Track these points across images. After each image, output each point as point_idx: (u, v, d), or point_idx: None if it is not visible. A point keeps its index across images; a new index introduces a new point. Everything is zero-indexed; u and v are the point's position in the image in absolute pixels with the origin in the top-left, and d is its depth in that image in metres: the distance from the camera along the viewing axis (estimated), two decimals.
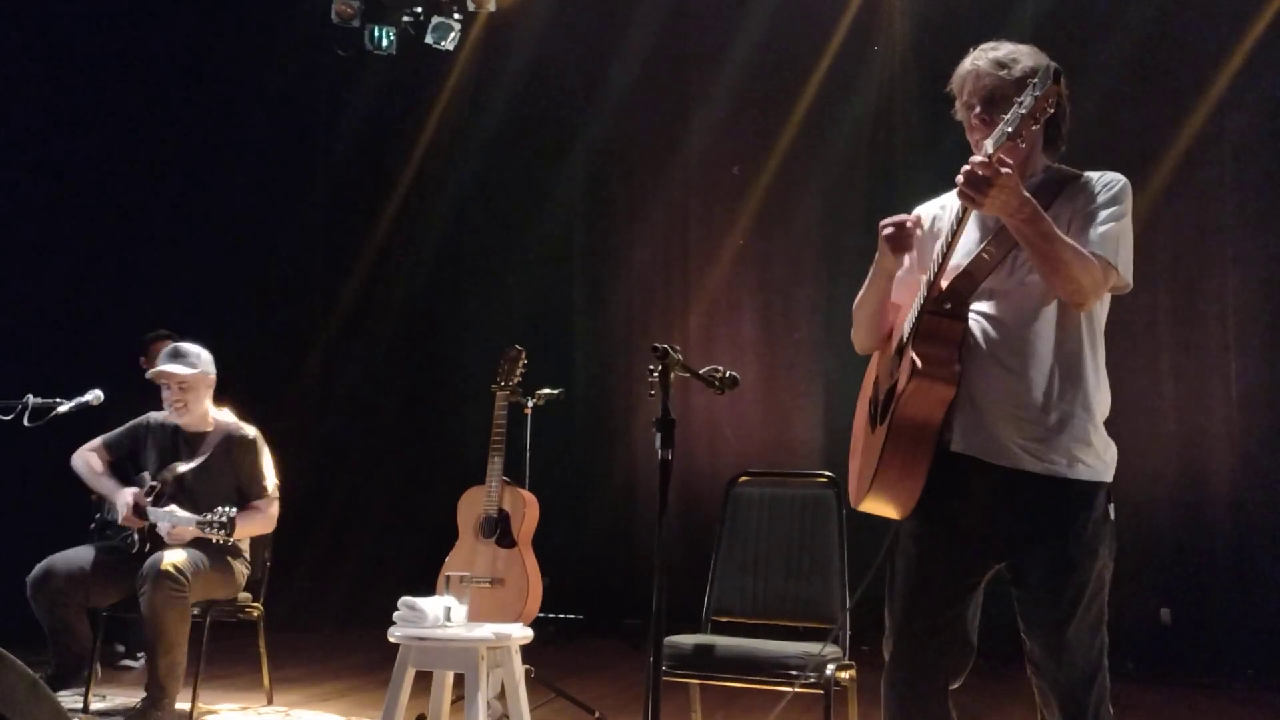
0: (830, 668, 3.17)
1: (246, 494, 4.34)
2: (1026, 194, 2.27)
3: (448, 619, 3.49)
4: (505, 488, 4.30)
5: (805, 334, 7.14)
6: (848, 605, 3.45)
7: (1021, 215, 2.27)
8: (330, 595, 7.32)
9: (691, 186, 7.52)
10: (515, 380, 4.44)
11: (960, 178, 2.25)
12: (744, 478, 3.84)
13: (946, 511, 2.44)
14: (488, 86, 7.81)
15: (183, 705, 4.10)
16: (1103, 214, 2.36)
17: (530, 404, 4.71)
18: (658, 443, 2.62)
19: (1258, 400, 6.32)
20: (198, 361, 4.35)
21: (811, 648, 3.22)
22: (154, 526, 4.12)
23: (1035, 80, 2.22)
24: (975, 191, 2.24)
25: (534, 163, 7.77)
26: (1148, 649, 6.11)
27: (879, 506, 2.50)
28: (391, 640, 3.54)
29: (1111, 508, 2.40)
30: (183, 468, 4.28)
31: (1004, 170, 2.22)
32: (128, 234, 7.41)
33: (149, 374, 4.41)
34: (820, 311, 7.03)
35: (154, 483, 4.24)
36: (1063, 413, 2.35)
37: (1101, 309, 2.44)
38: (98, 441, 4.44)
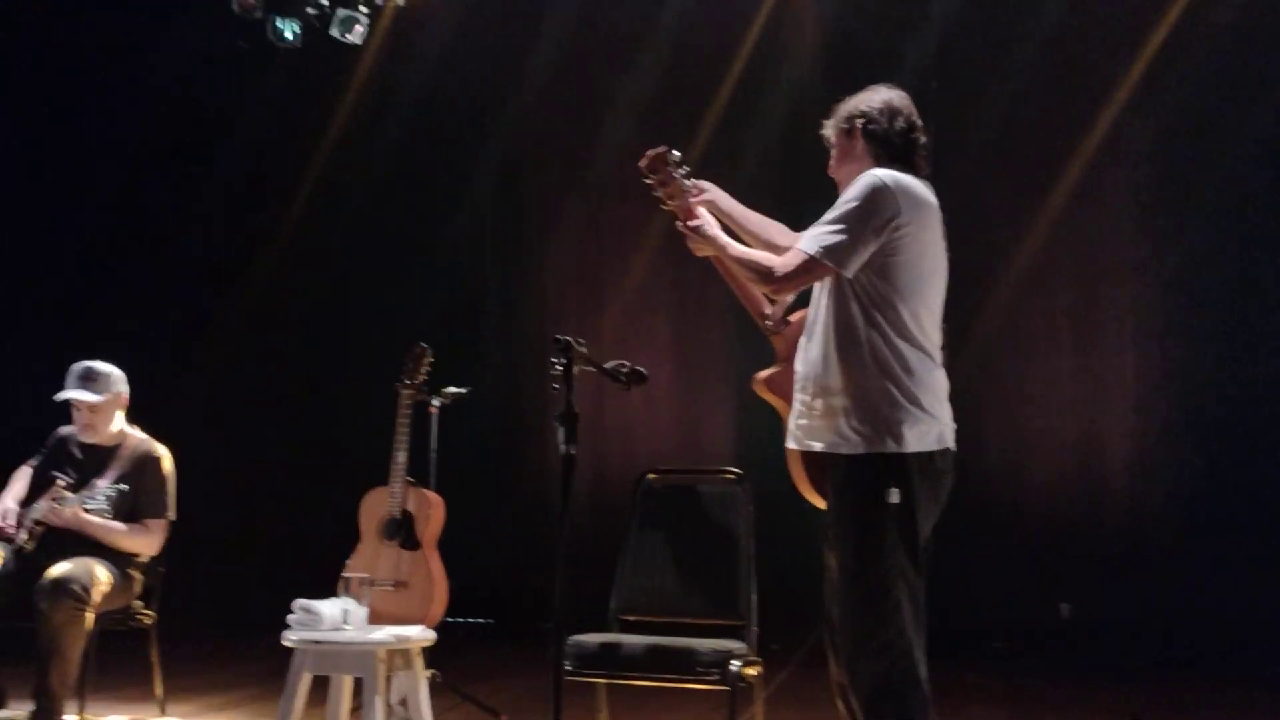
0: (736, 664, 3.14)
1: (140, 511, 4.23)
2: (720, 239, 2.75)
3: (345, 622, 3.38)
4: (409, 489, 4.19)
5: (719, 335, 7.15)
6: (754, 602, 3.43)
7: (719, 254, 2.75)
8: (228, 601, 7.09)
9: (606, 186, 7.46)
10: (420, 378, 4.34)
11: None
12: (652, 475, 3.80)
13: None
14: (398, 82, 7.66)
15: (69, 718, 3.93)
16: (828, 215, 2.64)
17: (436, 403, 4.60)
18: (560, 438, 2.58)
19: (1153, 401, 6.52)
20: (108, 384, 4.26)
21: (719, 644, 3.19)
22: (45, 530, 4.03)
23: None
24: (690, 246, 2.79)
25: (446, 160, 7.63)
26: (1049, 643, 6.25)
27: (810, 497, 2.79)
28: (286, 644, 3.43)
29: (894, 490, 2.50)
30: (101, 483, 4.18)
31: (690, 224, 2.76)
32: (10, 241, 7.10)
33: (57, 398, 4.24)
34: (733, 313, 7.00)
35: (62, 480, 4.10)
36: (821, 395, 2.63)
37: (872, 288, 2.59)
38: (27, 465, 4.36)
